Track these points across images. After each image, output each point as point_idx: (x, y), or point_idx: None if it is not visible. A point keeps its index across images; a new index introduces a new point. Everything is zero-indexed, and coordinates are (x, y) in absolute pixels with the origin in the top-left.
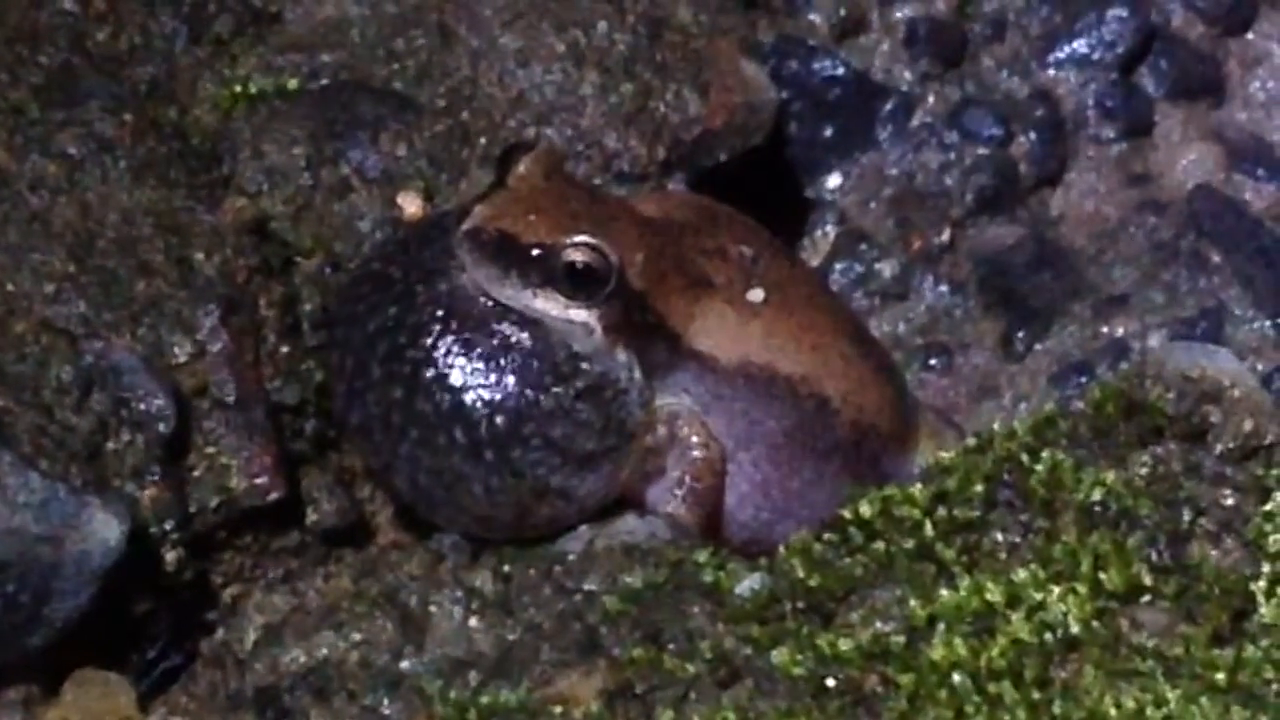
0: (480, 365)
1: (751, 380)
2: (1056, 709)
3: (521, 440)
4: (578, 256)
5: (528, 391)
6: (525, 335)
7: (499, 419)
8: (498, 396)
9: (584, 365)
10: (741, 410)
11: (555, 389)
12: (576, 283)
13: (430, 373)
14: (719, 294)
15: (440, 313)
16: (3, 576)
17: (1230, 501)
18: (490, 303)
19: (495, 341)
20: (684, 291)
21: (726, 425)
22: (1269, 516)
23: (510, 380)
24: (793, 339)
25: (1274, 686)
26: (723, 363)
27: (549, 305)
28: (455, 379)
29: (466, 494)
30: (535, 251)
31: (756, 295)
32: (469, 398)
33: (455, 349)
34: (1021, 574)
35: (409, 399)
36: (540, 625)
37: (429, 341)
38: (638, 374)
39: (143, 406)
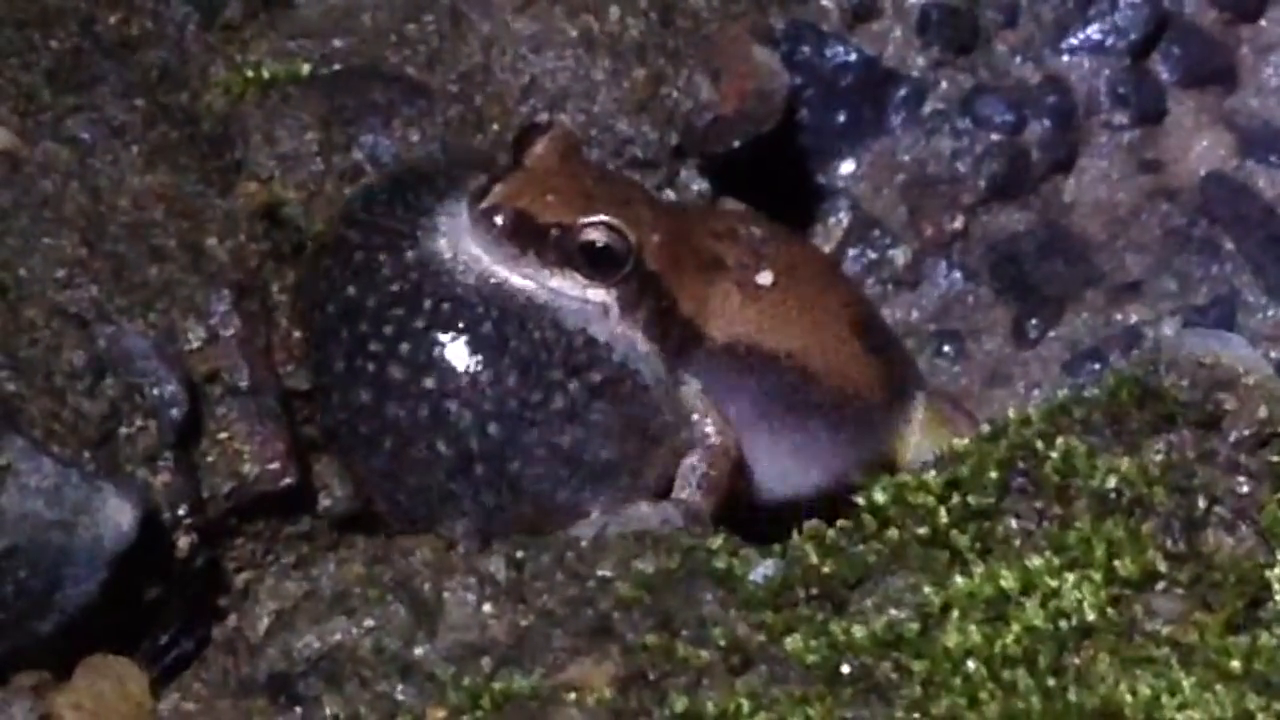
0: (466, 357)
1: (742, 356)
2: (1071, 696)
3: (522, 450)
4: (596, 236)
5: (530, 389)
6: (528, 319)
7: (492, 425)
8: (491, 396)
9: (601, 354)
10: (732, 384)
11: (567, 384)
12: (594, 262)
13: (400, 369)
14: (730, 275)
15: (410, 290)
16: (14, 562)
17: (1244, 489)
18: (475, 277)
19: (486, 327)
20: (697, 273)
21: (725, 403)
22: None
23: (508, 375)
24: (791, 321)
25: None
26: (722, 343)
27: (566, 285)
28: (434, 375)
29: (455, 513)
30: (553, 231)
31: (766, 278)
32: (452, 400)
33: (432, 337)
34: (1035, 561)
35: (378, 403)
36: (553, 612)
37: (395, 330)
38: (660, 368)
39: (155, 392)
